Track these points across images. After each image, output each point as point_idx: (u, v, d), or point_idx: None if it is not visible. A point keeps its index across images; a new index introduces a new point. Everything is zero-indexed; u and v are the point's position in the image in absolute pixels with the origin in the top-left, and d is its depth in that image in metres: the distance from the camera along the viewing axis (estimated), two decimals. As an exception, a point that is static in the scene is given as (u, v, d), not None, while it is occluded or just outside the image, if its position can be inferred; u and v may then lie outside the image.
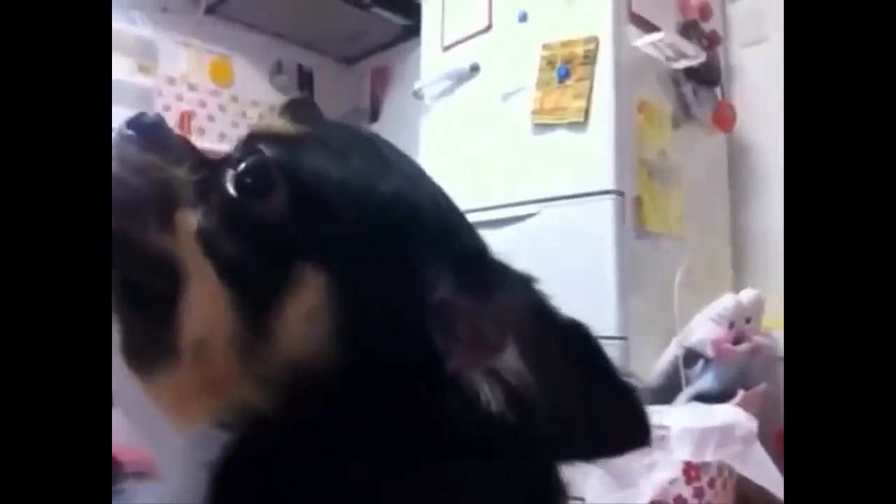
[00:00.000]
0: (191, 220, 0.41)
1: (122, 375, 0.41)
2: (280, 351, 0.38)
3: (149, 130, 0.44)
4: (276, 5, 2.88)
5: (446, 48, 2.16)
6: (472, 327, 0.38)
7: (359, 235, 0.39)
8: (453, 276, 0.38)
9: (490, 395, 0.36)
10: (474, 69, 2.04)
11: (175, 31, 2.90)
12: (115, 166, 0.41)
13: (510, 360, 0.36)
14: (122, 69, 2.67)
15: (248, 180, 0.40)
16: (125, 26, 2.69)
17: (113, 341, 0.41)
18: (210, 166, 0.43)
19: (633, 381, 0.37)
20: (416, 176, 0.44)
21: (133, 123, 0.44)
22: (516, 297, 0.39)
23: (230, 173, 0.41)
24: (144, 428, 0.42)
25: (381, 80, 3.23)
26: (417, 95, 2.22)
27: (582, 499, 1.25)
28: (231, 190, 0.41)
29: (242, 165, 0.41)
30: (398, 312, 0.38)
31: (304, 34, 3.15)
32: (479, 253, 0.41)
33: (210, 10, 2.95)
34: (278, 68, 3.20)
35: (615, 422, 0.37)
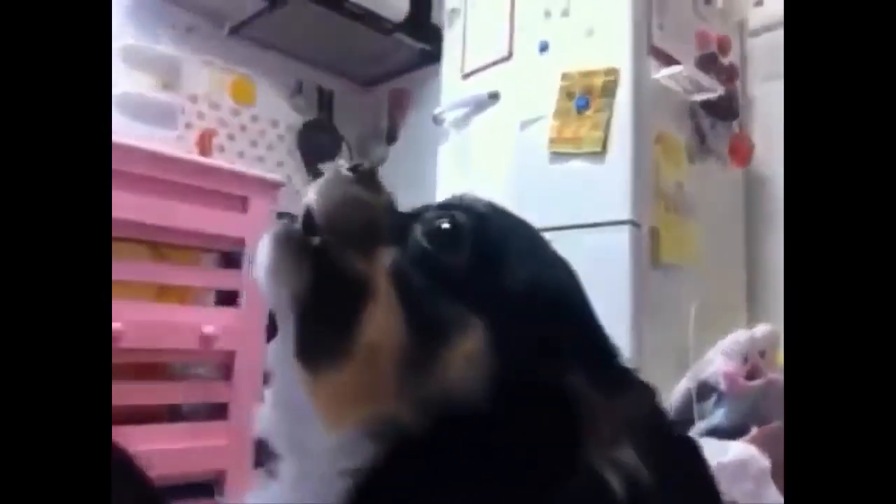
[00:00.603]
0: (386, 254, 0.48)
1: (286, 372, 0.47)
2: (437, 379, 0.43)
3: (367, 177, 0.52)
4: (298, 28, 2.93)
5: (466, 76, 2.19)
6: (595, 418, 0.42)
7: (520, 306, 0.45)
8: (587, 370, 0.44)
9: (612, 480, 0.40)
10: (493, 97, 2.06)
11: (199, 50, 2.96)
12: (342, 198, 0.50)
13: (629, 456, 0.40)
14: (145, 86, 2.72)
15: (442, 236, 0.48)
16: (150, 45, 2.75)
17: (285, 337, 0.47)
18: (406, 217, 0.52)
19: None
20: (571, 271, 0.51)
21: (354, 168, 0.52)
22: (639, 402, 0.44)
23: (422, 228, 0.49)
24: (296, 423, 0.46)
25: (399, 104, 3.26)
26: (436, 121, 2.24)
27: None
28: (423, 240, 0.48)
29: (439, 223, 0.49)
30: (543, 380, 0.43)
31: (325, 57, 3.19)
32: (614, 355, 0.47)
33: (234, 32, 3.00)
34: (298, 89, 3.24)
35: None
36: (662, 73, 1.79)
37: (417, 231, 0.49)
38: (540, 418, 0.42)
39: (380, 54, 3.09)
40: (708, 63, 1.93)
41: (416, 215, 0.51)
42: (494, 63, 2.09)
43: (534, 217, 1.83)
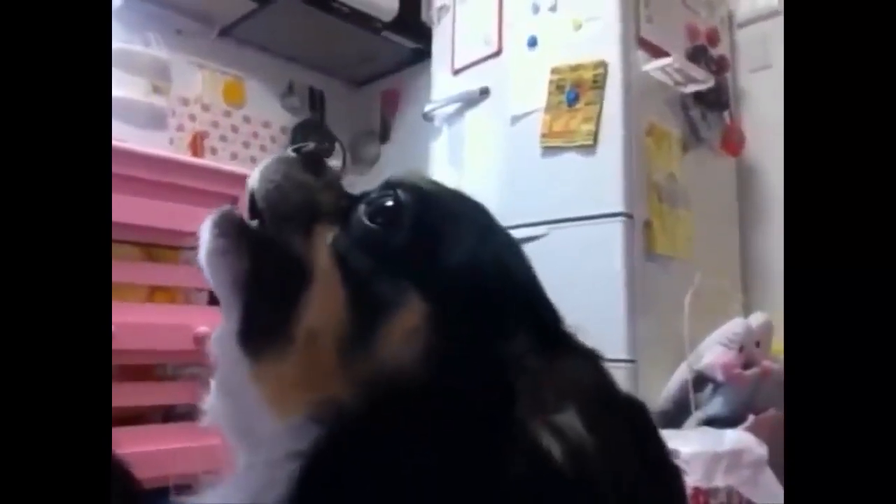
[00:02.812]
0: (328, 233, 0.48)
1: (230, 359, 0.47)
2: (378, 358, 0.43)
3: (309, 158, 0.53)
4: (287, 29, 2.92)
5: (456, 72, 2.18)
6: (536, 385, 0.41)
7: (461, 281, 0.46)
8: (530, 337, 0.44)
9: (552, 448, 0.39)
10: (484, 93, 2.06)
11: (189, 52, 2.95)
12: (280, 180, 0.50)
13: (572, 422, 0.39)
14: (136, 89, 2.70)
15: (383, 213, 0.48)
16: (140, 48, 2.74)
17: (228, 325, 0.47)
18: (349, 197, 0.52)
19: (682, 466, 0.42)
20: (515, 245, 0.51)
21: (297, 150, 0.53)
22: (582, 366, 0.43)
23: (365, 207, 0.49)
24: (242, 411, 0.47)
25: (390, 103, 3.26)
26: (427, 118, 2.24)
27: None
28: (365, 219, 0.48)
29: (380, 202, 0.49)
30: (481, 351, 0.43)
31: (316, 57, 3.19)
32: (556, 322, 0.47)
33: (224, 33, 2.99)
34: (290, 90, 3.23)
35: (661, 500, 0.41)
36: (652, 66, 1.79)
37: (360, 210, 0.49)
38: (478, 388, 0.41)
39: (370, 53, 3.08)
40: (698, 54, 1.93)
41: (361, 196, 0.51)
42: (484, 59, 2.09)
43: (527, 211, 1.84)
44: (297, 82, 3.26)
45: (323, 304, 0.45)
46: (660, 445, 0.41)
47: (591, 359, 0.44)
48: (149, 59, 2.84)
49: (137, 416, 1.43)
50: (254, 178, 0.50)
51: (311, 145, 0.53)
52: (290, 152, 0.52)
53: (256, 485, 0.42)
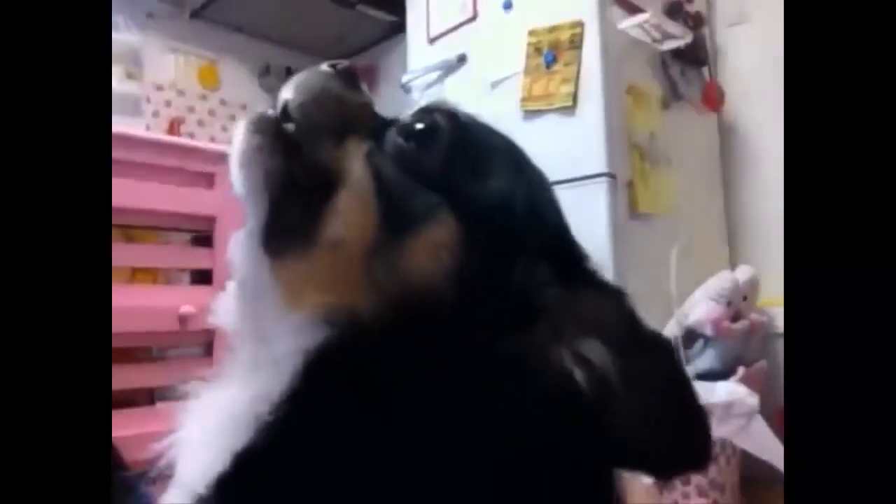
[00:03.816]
0: (362, 146, 0.48)
1: (251, 259, 0.47)
2: (403, 271, 0.42)
3: (345, 73, 0.52)
4: (260, 7, 2.88)
5: (432, 40, 2.16)
6: (558, 315, 0.41)
7: (492, 207, 0.45)
8: (554, 270, 0.43)
9: (576, 374, 0.38)
10: (461, 60, 2.04)
11: (161, 36, 2.90)
12: (316, 90, 0.49)
13: (596, 351, 0.39)
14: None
15: (418, 135, 0.48)
16: (111, 34, 2.68)
17: (252, 223, 0.47)
18: (384, 119, 0.52)
19: (703, 406, 0.41)
20: (546, 183, 0.51)
21: (333, 65, 0.52)
22: (607, 301, 0.43)
23: (399, 128, 0.49)
24: (255, 308, 0.46)
25: (369, 78, 3.22)
26: (405, 89, 2.22)
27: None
28: (400, 138, 0.48)
29: (416, 124, 0.48)
30: (506, 276, 0.43)
31: (290, 35, 3.15)
32: (582, 258, 0.47)
33: (195, 15, 2.94)
34: (266, 71, 3.19)
35: (681, 439, 0.40)
36: (629, 22, 1.77)
37: (395, 130, 0.49)
38: (499, 311, 0.41)
39: (345, 29, 3.04)
40: (674, 10, 1.91)
41: (394, 119, 0.51)
42: (460, 25, 2.06)
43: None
44: (274, 63, 3.22)
45: (352, 212, 0.44)
46: (685, 385, 0.40)
47: (615, 295, 0.44)
48: (120, 45, 2.79)
49: (123, 400, 1.41)
50: (288, 89, 0.49)
51: (346, 62, 0.52)
52: (325, 66, 0.52)
53: (261, 380, 0.42)
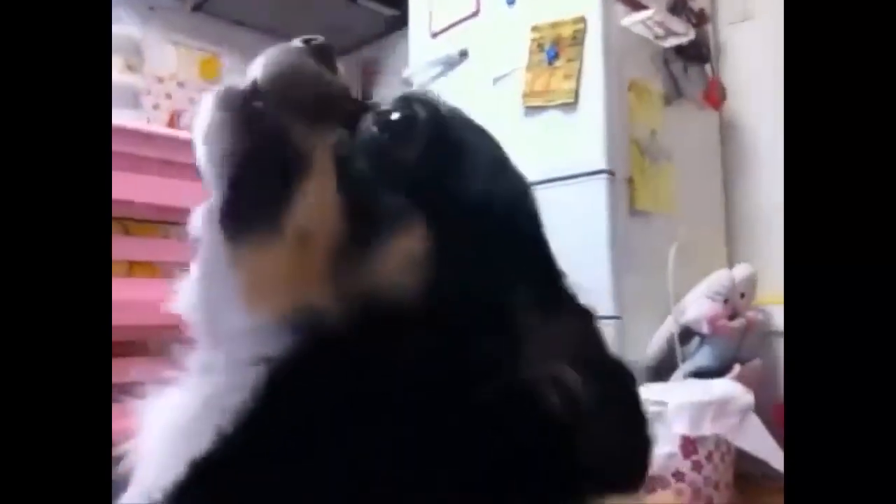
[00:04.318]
0: (332, 133, 0.44)
1: (211, 239, 0.43)
2: (370, 276, 0.40)
3: (319, 50, 0.47)
4: (261, 0, 2.87)
5: (434, 35, 2.15)
6: (531, 340, 0.40)
7: (471, 216, 0.42)
8: (530, 288, 0.41)
9: (552, 397, 0.38)
10: (463, 55, 2.03)
11: (162, 28, 2.89)
12: (287, 66, 0.45)
13: (568, 374, 0.39)
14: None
15: (394, 125, 0.44)
16: (112, 26, 2.68)
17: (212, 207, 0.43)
18: (359, 104, 0.48)
19: (653, 435, 0.41)
20: (527, 190, 0.47)
21: (307, 40, 0.48)
22: (577, 324, 0.42)
23: (375, 116, 0.45)
24: (215, 302, 0.43)
25: (370, 73, 3.22)
26: (406, 83, 2.21)
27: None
28: (374, 127, 0.44)
29: (393, 113, 0.45)
30: (483, 295, 0.41)
31: (292, 29, 3.12)
32: (558, 277, 0.45)
33: (197, 8, 2.94)
34: (268, 63, 3.18)
35: (633, 465, 0.41)
36: (632, 19, 1.76)
37: (370, 118, 0.45)
38: (474, 330, 0.39)
39: (346, 23, 3.03)
40: (677, 7, 1.91)
41: (371, 105, 0.47)
42: (462, 20, 2.05)
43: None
44: (275, 55, 3.21)
45: (317, 204, 0.41)
46: (643, 414, 0.41)
47: (587, 318, 0.43)
48: (121, 37, 2.79)
49: (121, 393, 1.42)
50: (257, 65, 0.46)
51: (320, 38, 0.48)
52: (298, 42, 0.48)
53: (215, 388, 0.39)
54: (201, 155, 0.44)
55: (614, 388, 0.40)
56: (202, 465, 0.37)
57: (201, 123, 0.44)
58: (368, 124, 0.45)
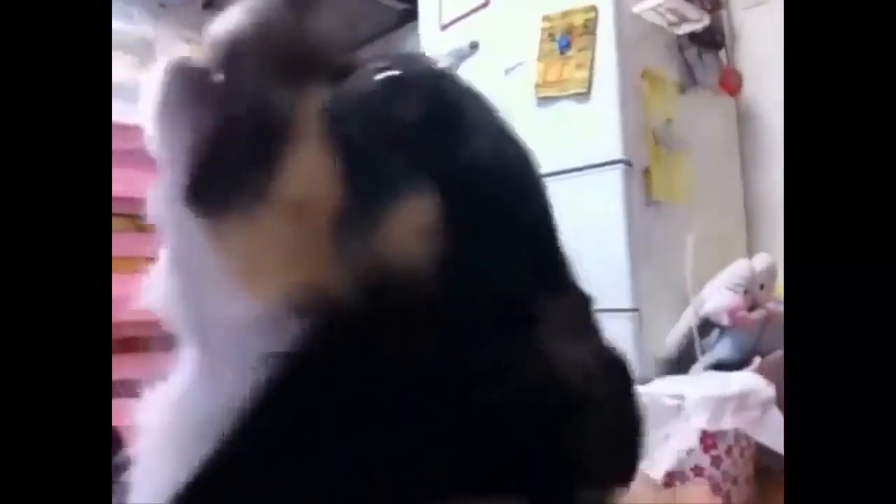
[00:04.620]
0: (320, 92, 0.39)
1: (182, 226, 0.37)
2: (378, 249, 0.35)
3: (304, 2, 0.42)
4: (273, -5, 2.87)
5: (445, 27, 2.13)
6: (542, 313, 0.37)
7: (478, 179, 0.38)
8: (540, 274, 0.39)
9: (567, 371, 0.36)
10: (474, 46, 2.01)
11: (174, 26, 2.90)
12: (255, 22, 0.39)
13: (573, 365, 0.36)
14: (121, 67, 2.67)
15: (396, 84, 0.39)
16: (124, 25, 2.69)
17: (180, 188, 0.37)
18: (348, 57, 0.42)
19: (646, 430, 0.40)
20: (530, 156, 0.43)
21: None
22: (582, 312, 0.40)
23: (370, 70, 0.40)
24: (199, 293, 0.37)
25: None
26: (418, 76, 2.20)
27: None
28: (370, 86, 0.39)
29: (390, 69, 0.40)
30: (495, 269, 0.38)
31: (303, 23, 3.14)
32: (565, 259, 0.42)
33: (208, 5, 2.93)
34: (279, 59, 3.19)
35: (628, 457, 0.39)
36: (644, 6, 1.73)
37: (364, 73, 0.40)
38: (489, 310, 0.36)
39: (357, 16, 3.02)
40: (691, -7, 1.87)
41: (363, 61, 0.42)
42: (472, 11, 2.04)
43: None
44: (286, 51, 3.21)
45: (307, 169, 0.36)
46: (639, 407, 0.40)
47: (588, 305, 0.41)
48: (133, 36, 2.80)
49: (131, 389, 1.43)
50: (218, 25, 0.40)
51: None
52: None
53: (213, 393, 0.35)
54: (154, 136, 0.38)
55: (616, 378, 0.39)
56: (208, 469, 0.33)
57: (149, 103, 0.38)
58: (363, 79, 0.40)
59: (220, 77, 0.39)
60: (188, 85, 0.38)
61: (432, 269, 0.35)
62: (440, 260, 0.36)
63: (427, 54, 0.45)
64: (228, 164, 0.37)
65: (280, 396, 0.33)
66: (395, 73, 0.40)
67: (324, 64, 0.40)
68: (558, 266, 0.42)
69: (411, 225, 0.36)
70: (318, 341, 0.34)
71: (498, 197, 0.39)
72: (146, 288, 0.40)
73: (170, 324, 0.39)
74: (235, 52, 0.39)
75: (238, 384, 0.33)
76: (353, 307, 0.34)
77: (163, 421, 0.37)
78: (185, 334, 0.39)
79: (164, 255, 0.39)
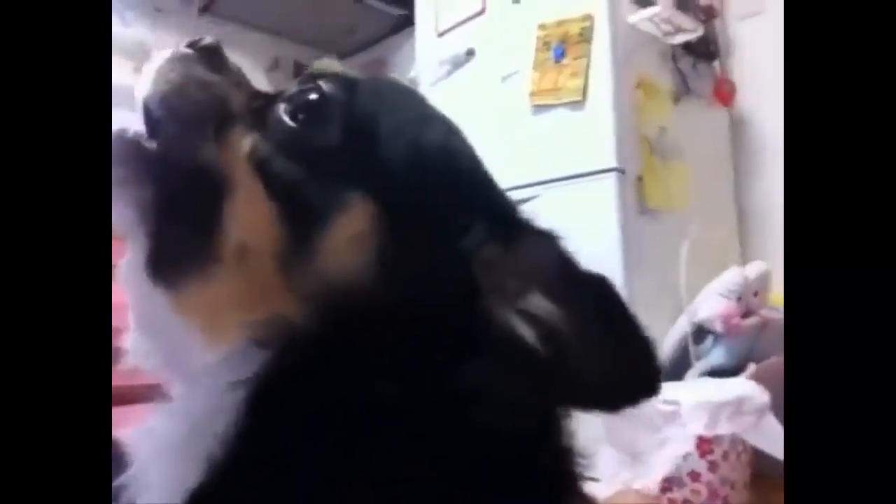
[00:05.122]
0: (244, 140, 0.42)
1: (143, 294, 0.41)
2: (323, 270, 0.38)
3: (208, 52, 0.45)
4: (268, 1, 2.87)
5: (441, 34, 2.15)
6: (496, 274, 0.39)
7: (405, 173, 0.41)
8: (484, 226, 0.40)
9: (525, 333, 0.37)
10: (470, 54, 2.02)
11: (170, 31, 2.89)
12: (177, 80, 0.43)
13: (541, 303, 0.37)
14: (118, 72, 2.66)
15: (306, 110, 0.42)
16: (120, 29, 2.68)
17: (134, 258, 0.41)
18: (265, 97, 0.45)
19: (649, 334, 0.38)
20: (456, 131, 0.46)
21: (193, 44, 0.45)
22: (542, 249, 0.40)
23: (285, 105, 0.43)
24: (172, 347, 0.41)
25: (376, 72, 3.22)
26: (413, 83, 2.21)
27: (598, 480, 1.24)
28: (287, 119, 0.42)
29: (302, 97, 0.43)
30: (436, 250, 0.39)
31: (299, 30, 3.14)
32: (510, 207, 0.43)
33: (204, 10, 2.94)
34: (275, 64, 3.19)
35: (633, 370, 0.38)
36: (639, 16, 1.75)
37: (280, 110, 0.43)
38: (437, 291, 0.38)
39: (353, 23, 3.03)
40: (685, 3, 1.89)
41: (277, 95, 0.45)
42: (468, 19, 2.05)
43: (520, 172, 1.80)
44: (282, 57, 3.21)
45: (249, 219, 0.39)
46: (629, 319, 0.38)
47: (550, 239, 0.40)
48: (129, 40, 2.79)
49: (135, 396, 1.42)
50: (145, 83, 0.42)
51: (207, 38, 0.46)
52: (183, 48, 0.45)
53: (198, 413, 0.38)
54: (114, 209, 0.41)
55: (593, 302, 0.38)
56: (198, 495, 0.36)
57: (113, 175, 0.41)
58: (279, 116, 0.42)
59: (153, 144, 0.42)
60: (126, 161, 0.41)
61: (377, 272, 0.38)
62: (381, 262, 0.38)
63: (336, 65, 0.48)
64: (176, 232, 0.40)
65: (256, 416, 0.36)
66: (307, 100, 0.42)
67: (242, 109, 0.44)
68: (505, 214, 0.42)
69: (346, 235, 0.39)
70: (282, 364, 0.37)
71: (424, 180, 0.41)
72: (128, 348, 0.43)
73: (154, 373, 0.42)
74: (165, 109, 0.42)
75: (213, 409, 0.36)
76: (310, 329, 0.37)
77: (156, 443, 0.39)
78: (166, 375, 0.42)
79: (133, 320, 0.43)
